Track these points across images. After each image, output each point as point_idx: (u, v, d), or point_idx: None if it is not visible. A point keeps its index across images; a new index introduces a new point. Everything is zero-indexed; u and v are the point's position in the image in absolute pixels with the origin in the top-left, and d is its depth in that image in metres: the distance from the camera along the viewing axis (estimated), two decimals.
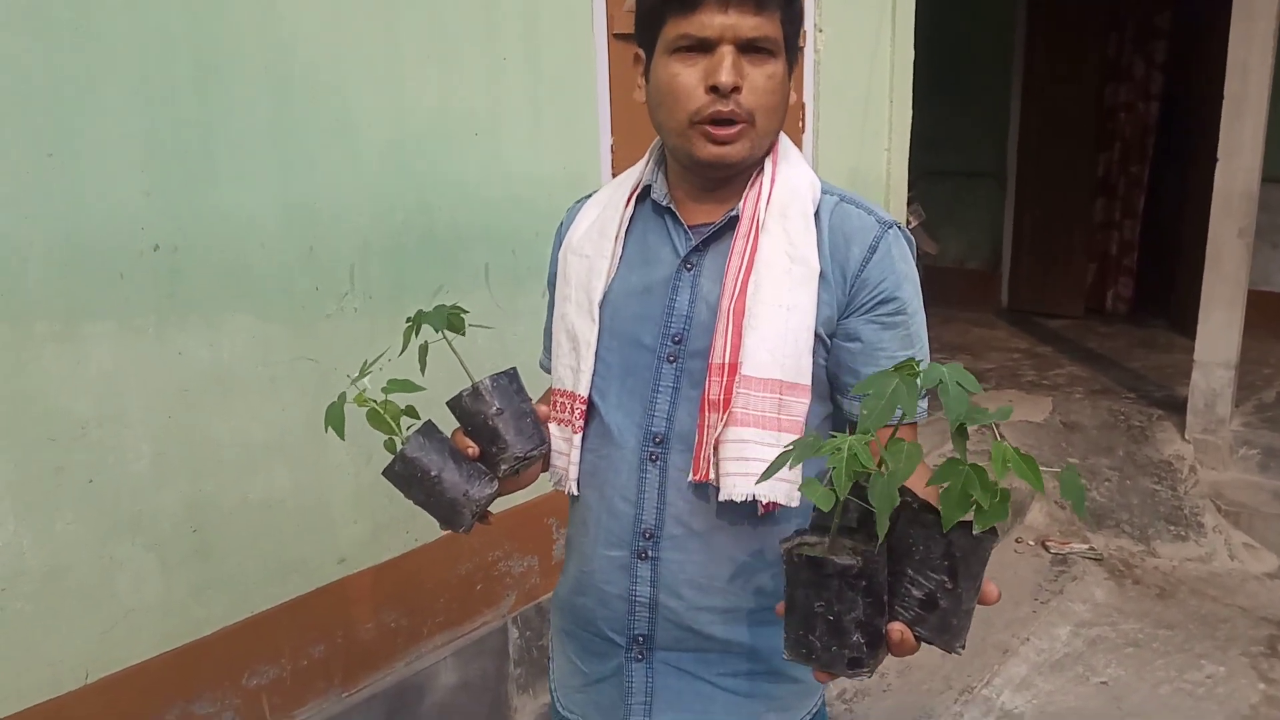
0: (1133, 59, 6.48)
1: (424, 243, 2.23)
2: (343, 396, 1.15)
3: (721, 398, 1.14)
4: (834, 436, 0.89)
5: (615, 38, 2.66)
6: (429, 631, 2.43)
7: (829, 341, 1.20)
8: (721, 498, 1.15)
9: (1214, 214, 4.31)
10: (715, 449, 1.15)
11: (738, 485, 1.13)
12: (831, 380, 1.22)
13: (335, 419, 1.14)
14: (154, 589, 1.87)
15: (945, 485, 0.87)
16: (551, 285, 1.37)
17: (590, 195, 1.36)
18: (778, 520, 1.20)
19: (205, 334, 1.88)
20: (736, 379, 1.14)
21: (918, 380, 0.89)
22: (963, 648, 0.94)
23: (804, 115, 3.56)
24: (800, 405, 1.16)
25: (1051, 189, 6.63)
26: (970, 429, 0.90)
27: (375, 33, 2.08)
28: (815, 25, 3.49)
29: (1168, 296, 6.34)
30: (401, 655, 2.37)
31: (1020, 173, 6.84)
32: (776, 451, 1.02)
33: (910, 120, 3.98)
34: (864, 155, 3.85)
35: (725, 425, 1.14)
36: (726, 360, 1.15)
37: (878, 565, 0.91)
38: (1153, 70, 6.45)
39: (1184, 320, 5.36)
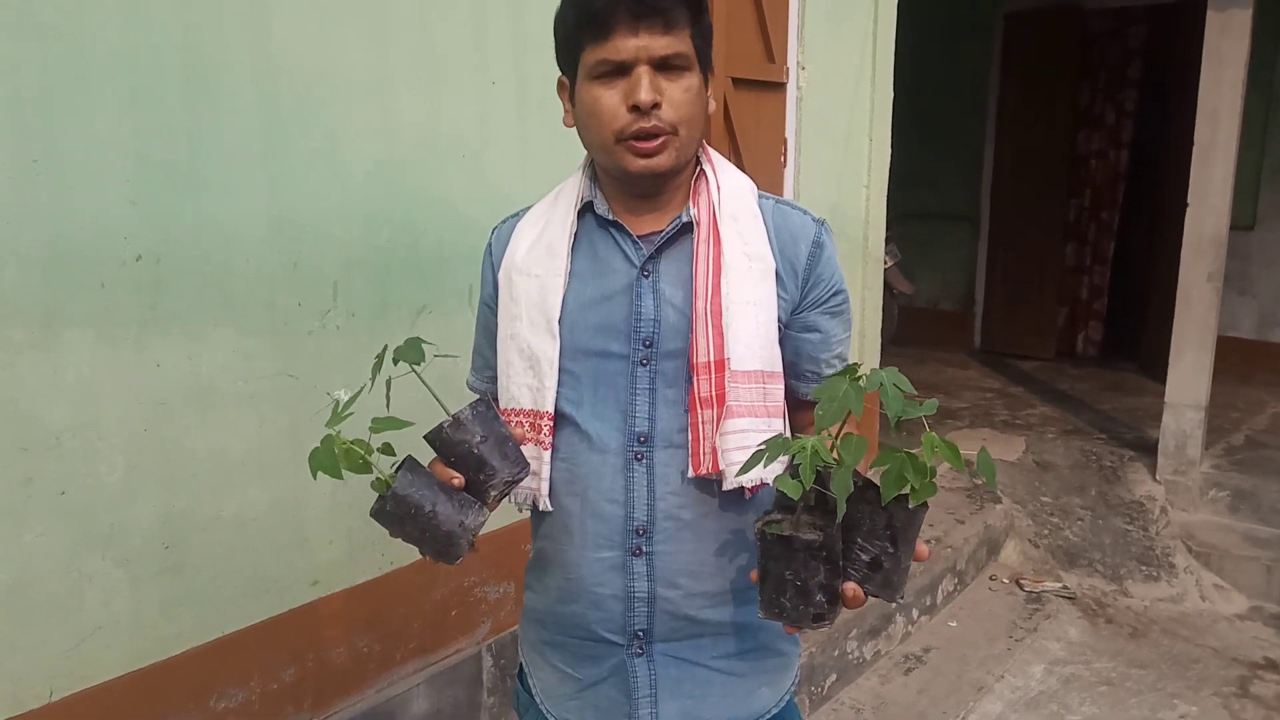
0: (1104, 108, 6.62)
1: (408, 262, 2.23)
2: (327, 440, 1.12)
3: (714, 393, 1.23)
4: (798, 437, 1.09)
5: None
6: (402, 658, 2.39)
7: (783, 331, 1.30)
8: (727, 486, 1.23)
9: (1184, 258, 4.39)
10: (717, 441, 1.22)
11: (747, 474, 1.20)
12: (788, 366, 1.32)
13: (325, 463, 1.12)
14: (123, 605, 1.83)
15: (885, 468, 1.05)
16: (488, 304, 1.39)
17: (518, 214, 1.38)
18: (754, 502, 1.29)
19: (185, 346, 1.86)
20: (726, 374, 1.22)
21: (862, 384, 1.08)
22: (902, 597, 1.14)
23: (785, 151, 3.61)
24: (778, 390, 1.28)
25: (1024, 233, 6.73)
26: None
27: (367, 51, 2.09)
28: (798, 63, 3.55)
29: (1137, 341, 6.43)
30: (373, 681, 2.33)
31: (994, 216, 6.95)
32: (769, 435, 1.16)
33: (889, 160, 4.04)
34: (844, 192, 3.89)
35: (725, 418, 1.22)
36: (712, 358, 1.23)
37: (835, 538, 1.09)
38: (1123, 119, 6.59)
39: (1153, 364, 5.44)
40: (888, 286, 5.62)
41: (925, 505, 1.07)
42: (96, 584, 1.78)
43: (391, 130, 2.16)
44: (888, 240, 4.79)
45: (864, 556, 1.10)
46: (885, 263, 5.21)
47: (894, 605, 1.12)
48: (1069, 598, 4.04)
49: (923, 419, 1.06)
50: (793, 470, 1.07)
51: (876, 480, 1.08)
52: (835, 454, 1.05)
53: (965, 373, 6.48)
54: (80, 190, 1.68)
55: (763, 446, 1.10)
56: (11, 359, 1.63)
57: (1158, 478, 4.53)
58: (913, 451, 1.05)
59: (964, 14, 6.74)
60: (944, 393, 5.91)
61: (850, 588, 1.10)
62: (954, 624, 3.74)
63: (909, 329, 6.71)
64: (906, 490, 1.04)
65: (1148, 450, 4.69)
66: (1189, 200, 4.32)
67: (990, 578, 4.15)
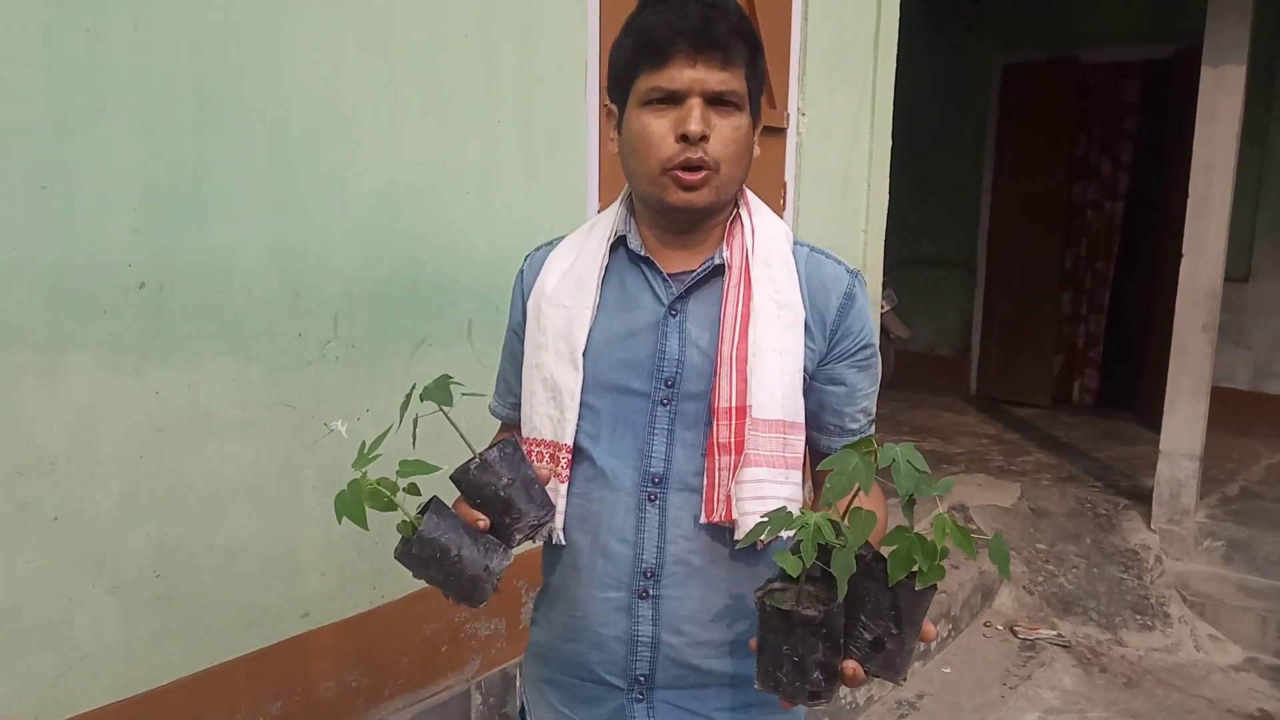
0: (1100, 159, 6.70)
1: (409, 295, 2.24)
2: (354, 485, 1.11)
3: (733, 440, 1.20)
4: (804, 512, 1.05)
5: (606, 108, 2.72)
6: (390, 693, 2.37)
7: (808, 381, 1.27)
8: (739, 536, 1.20)
9: (1179, 309, 4.42)
10: (732, 489, 1.20)
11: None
12: (811, 418, 1.29)
13: (351, 508, 1.10)
14: (113, 633, 1.81)
15: (893, 549, 1.02)
16: (516, 332, 1.39)
17: (552, 243, 1.38)
18: (767, 553, 1.25)
19: (185, 373, 1.86)
20: (747, 422, 1.20)
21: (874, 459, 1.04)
22: (904, 679, 1.10)
23: (785, 194, 3.64)
24: (799, 442, 1.24)
25: (1020, 281, 6.77)
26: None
27: (375, 87, 2.12)
28: (799, 109, 3.60)
29: (1132, 389, 6.45)
30: (361, 716, 2.30)
31: (990, 264, 6.99)
32: (786, 488, 1.17)
33: (887, 206, 4.08)
34: (842, 236, 3.92)
35: (742, 466, 1.19)
36: (734, 404, 1.21)
37: (836, 616, 1.05)
38: (1119, 171, 6.67)
39: (1149, 413, 5.45)
40: (884, 331, 5.66)
41: (934, 587, 1.04)
42: (87, 611, 1.77)
43: (397, 165, 2.19)
44: (885, 285, 4.83)
45: (867, 635, 1.07)
46: (882, 308, 5.25)
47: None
48: (1063, 646, 4.01)
49: (943, 504, 1.04)
50: (795, 545, 1.05)
51: (885, 554, 1.05)
52: (839, 530, 1.03)
53: (961, 418, 6.49)
54: (86, 217, 1.70)
55: (765, 519, 1.08)
56: (12, 382, 1.63)
57: (1152, 526, 4.52)
58: (922, 534, 1.02)
59: (963, 64, 6.84)
60: (940, 437, 5.91)
61: (850, 666, 1.07)
62: (948, 670, 3.71)
63: (905, 374, 6.73)
64: (914, 570, 1.02)
65: (1143, 499, 4.69)
66: (1184, 251, 4.36)
67: (985, 624, 4.12)
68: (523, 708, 1.45)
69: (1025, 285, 6.74)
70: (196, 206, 1.85)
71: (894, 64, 3.94)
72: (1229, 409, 5.65)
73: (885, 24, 3.85)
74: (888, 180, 4.05)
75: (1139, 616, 4.13)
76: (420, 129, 2.22)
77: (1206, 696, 3.64)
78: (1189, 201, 4.33)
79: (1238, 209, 4.47)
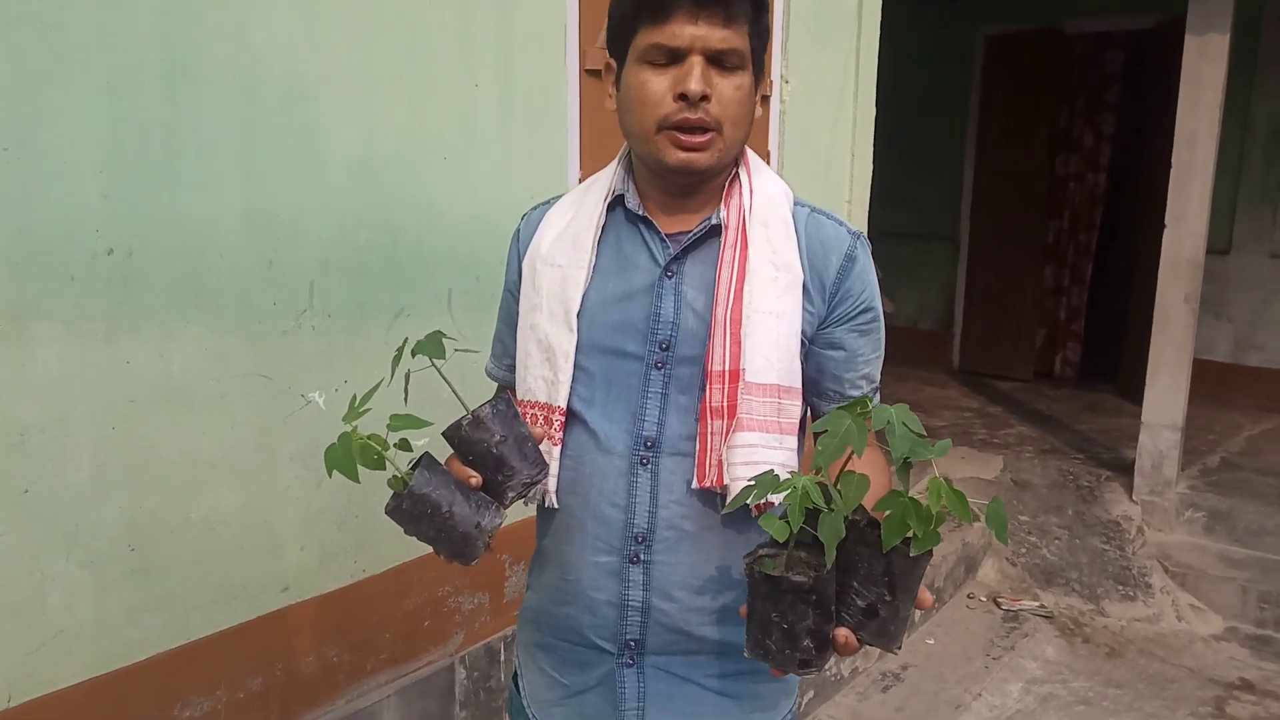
0: (1083, 131, 6.69)
1: (387, 263, 2.19)
2: (344, 438, 1.08)
3: (725, 404, 1.18)
4: (794, 475, 1.02)
5: (587, 73, 2.67)
6: (373, 668, 2.34)
7: (807, 345, 1.24)
8: (730, 509, 1.17)
9: (1161, 279, 4.42)
10: (724, 454, 1.17)
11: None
12: (810, 384, 1.26)
13: (341, 461, 1.07)
14: (87, 609, 1.77)
15: (887, 513, 0.98)
16: (511, 292, 1.36)
17: (549, 202, 1.35)
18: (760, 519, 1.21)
19: (157, 343, 1.81)
20: (740, 385, 1.17)
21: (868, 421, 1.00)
22: (899, 648, 1.07)
23: (769, 163, 3.60)
24: (795, 408, 1.22)
25: (1003, 254, 6.77)
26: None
27: (350, 48, 2.07)
28: (782, 76, 3.55)
29: (1114, 363, 6.48)
30: (343, 692, 2.27)
31: (973, 237, 6.99)
32: (780, 453, 1.15)
33: (870, 176, 4.05)
34: (826, 206, 3.83)
35: (734, 431, 1.17)
36: (727, 367, 1.18)
37: (827, 582, 1.02)
38: (1101, 143, 6.66)
39: (1130, 386, 5.47)
40: None
41: (929, 554, 1.01)
42: (59, 586, 1.73)
43: (373, 129, 2.13)
44: None
45: (860, 602, 1.04)
46: None
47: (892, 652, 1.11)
48: (1046, 617, 4.03)
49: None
50: (783, 510, 1.02)
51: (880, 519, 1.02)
52: (828, 493, 0.99)
53: (944, 392, 6.50)
54: (51, 181, 1.64)
55: (751, 482, 1.05)
56: None
57: (1134, 498, 4.54)
58: (917, 498, 0.99)
59: (946, 36, 6.80)
60: (923, 411, 5.92)
61: (843, 634, 1.04)
62: (932, 642, 3.72)
63: (888, 347, 6.61)
64: (909, 537, 0.99)
65: (1124, 470, 4.71)
66: (1166, 221, 4.36)
67: (968, 596, 4.14)
68: (516, 673, 1.43)
69: (1008, 258, 6.75)
70: (166, 170, 1.79)
71: (878, 34, 3.90)
72: (1210, 381, 5.68)
73: None
74: (872, 150, 4.02)
75: (1121, 587, 4.15)
76: (395, 92, 2.17)
77: (1188, 666, 3.67)
78: (1172, 170, 4.32)
79: (1219, 182, 4.47)
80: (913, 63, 6.56)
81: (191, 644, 1.95)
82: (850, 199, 3.98)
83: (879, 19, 3.87)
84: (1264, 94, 5.88)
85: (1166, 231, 4.36)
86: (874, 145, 4.02)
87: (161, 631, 1.90)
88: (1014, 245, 6.71)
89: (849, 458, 1.01)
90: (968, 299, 7.07)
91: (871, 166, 4.04)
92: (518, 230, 1.37)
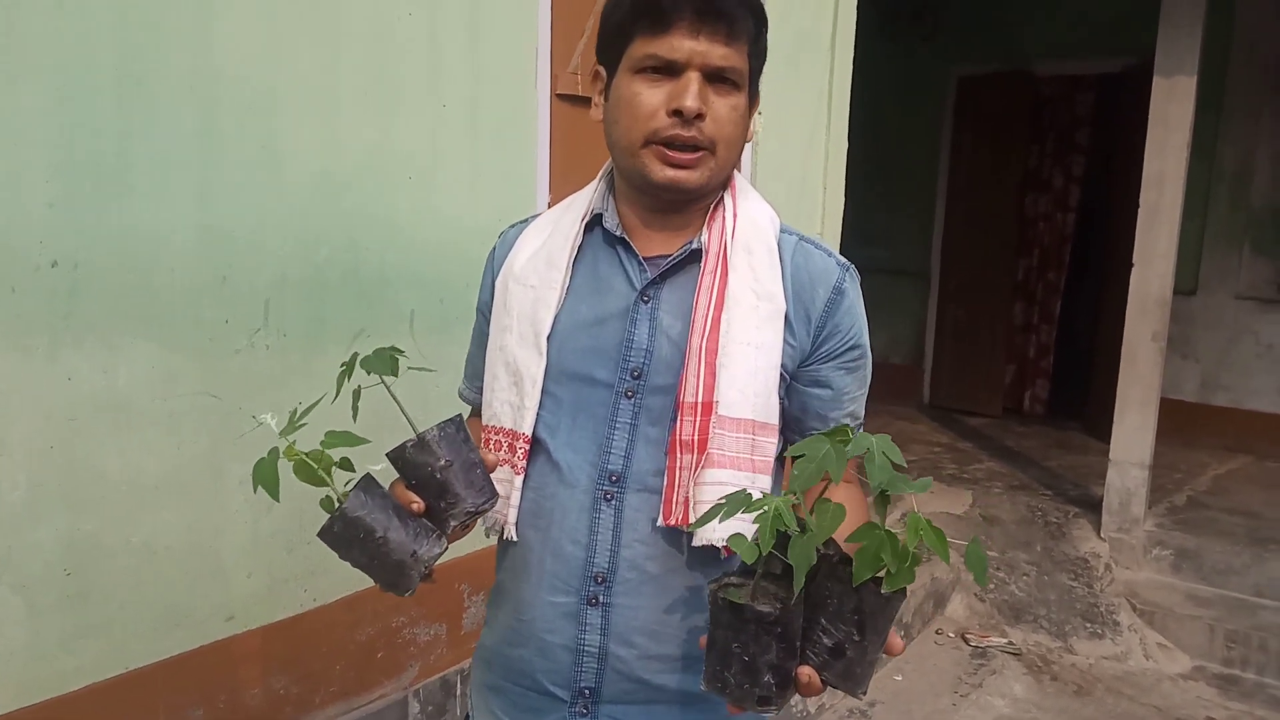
0: (1052, 172, 6.76)
1: (347, 282, 2.14)
2: (274, 453, 1.03)
3: (696, 438, 1.11)
4: (766, 497, 0.95)
5: (558, 97, 2.65)
6: (321, 701, 2.26)
7: (789, 381, 1.18)
8: (697, 542, 1.11)
9: (1129, 318, 4.44)
10: (692, 491, 1.10)
11: (717, 530, 1.08)
12: (793, 422, 1.20)
13: (266, 477, 1.02)
14: (19, 634, 1.69)
15: (861, 546, 0.93)
16: (483, 312, 1.30)
17: (527, 221, 1.30)
18: (729, 563, 1.14)
19: (101, 359, 1.75)
20: (712, 419, 1.11)
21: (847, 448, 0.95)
22: (864, 693, 1.01)
23: None
24: (770, 445, 1.15)
25: (973, 291, 6.80)
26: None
27: (315, 62, 2.03)
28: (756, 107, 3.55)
29: (1082, 400, 6.50)
30: None
31: (944, 273, 7.02)
32: (752, 493, 1.04)
33: (842, 208, 4.05)
34: None
35: (703, 467, 1.10)
36: (700, 399, 1.11)
37: (793, 615, 0.96)
38: (1070, 184, 6.73)
39: (1098, 424, 5.48)
40: None
41: (902, 593, 0.96)
42: None
43: (336, 146, 2.09)
44: None
45: (826, 640, 0.98)
46: None
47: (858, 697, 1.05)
48: (1014, 654, 3.99)
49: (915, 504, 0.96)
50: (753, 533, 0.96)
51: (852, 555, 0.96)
52: (802, 519, 0.93)
53: (914, 426, 6.49)
54: None
55: (722, 501, 0.98)
56: None
57: (1102, 535, 4.53)
58: (894, 531, 0.94)
59: (918, 75, 6.86)
60: None
61: (806, 672, 0.98)
62: (899, 678, 3.67)
63: None
64: (881, 574, 0.93)
65: (1092, 507, 4.70)
66: (1134, 261, 4.39)
67: (936, 631, 4.09)
68: (467, 716, 1.36)
69: (978, 295, 6.78)
70: (117, 181, 1.74)
71: (850, 68, 3.92)
72: (1176, 421, 5.70)
73: (842, 28, 3.82)
74: (844, 183, 4.02)
75: (1089, 625, 4.12)
76: (360, 109, 2.13)
77: (1155, 705, 3.64)
78: (1140, 211, 4.35)
79: (1185, 223, 4.50)
80: (886, 101, 6.62)
81: (130, 673, 1.87)
82: (822, 230, 3.98)
83: (852, 52, 3.89)
84: (1230, 136, 5.96)
85: (1134, 271, 4.38)
86: (846, 180, 4.02)
87: (98, 659, 1.82)
88: (984, 282, 6.75)
89: (826, 486, 0.97)
90: (938, 334, 7.08)
91: (844, 199, 4.04)
92: (494, 249, 1.32)
